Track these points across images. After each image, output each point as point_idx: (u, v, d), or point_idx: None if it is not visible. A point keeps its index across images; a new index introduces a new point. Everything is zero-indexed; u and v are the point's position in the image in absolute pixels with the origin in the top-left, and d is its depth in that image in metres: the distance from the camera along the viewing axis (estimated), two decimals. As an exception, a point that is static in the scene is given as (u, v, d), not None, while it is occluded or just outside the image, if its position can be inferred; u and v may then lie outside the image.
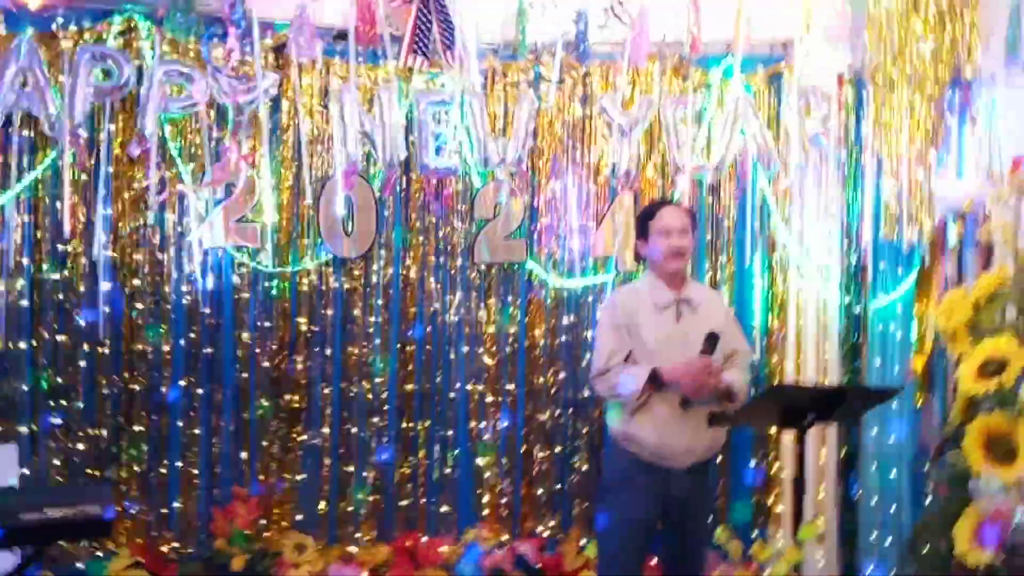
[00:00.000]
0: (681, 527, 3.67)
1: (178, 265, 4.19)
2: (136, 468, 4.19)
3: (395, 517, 4.46)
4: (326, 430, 4.38)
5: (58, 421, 4.06)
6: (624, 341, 3.62)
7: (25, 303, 4.01)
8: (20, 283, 4.00)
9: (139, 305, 4.16)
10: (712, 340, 3.46)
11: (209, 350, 4.25)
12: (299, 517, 4.36)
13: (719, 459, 4.64)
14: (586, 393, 4.55)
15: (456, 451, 4.49)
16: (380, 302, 4.41)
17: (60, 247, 4.05)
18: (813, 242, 4.66)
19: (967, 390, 3.26)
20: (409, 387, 4.46)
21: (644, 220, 3.74)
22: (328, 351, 4.38)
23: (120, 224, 4.12)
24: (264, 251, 4.25)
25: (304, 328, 4.35)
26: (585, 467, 4.58)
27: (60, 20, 3.97)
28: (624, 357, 3.61)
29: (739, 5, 4.47)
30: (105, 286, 4.07)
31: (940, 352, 4.39)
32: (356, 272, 4.40)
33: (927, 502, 4.31)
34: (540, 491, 4.56)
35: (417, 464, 4.47)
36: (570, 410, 4.57)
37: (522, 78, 4.46)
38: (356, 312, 4.39)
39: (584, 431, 4.58)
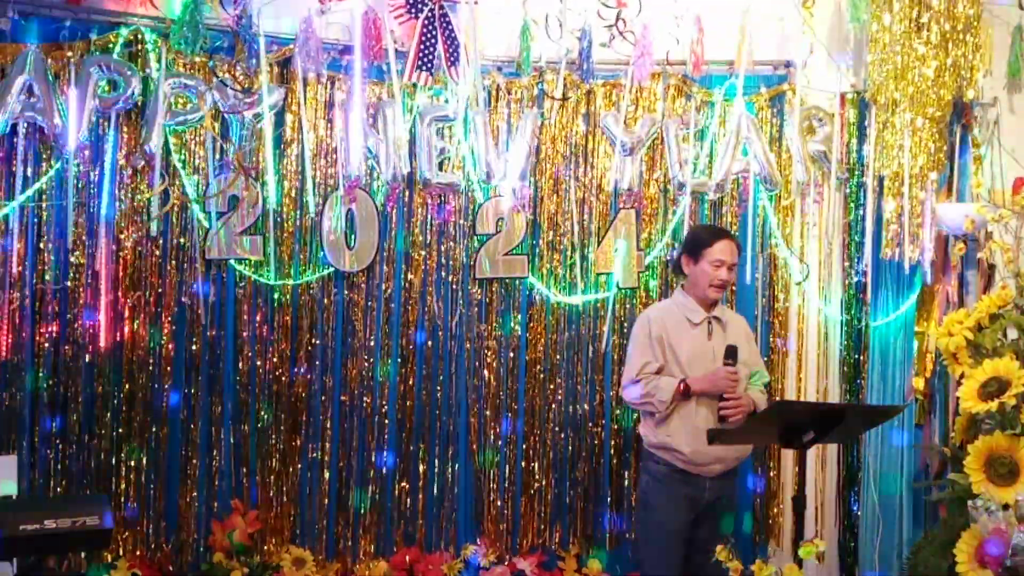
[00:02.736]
0: (711, 531, 3.83)
1: (180, 277, 4.19)
2: (135, 480, 4.17)
3: (394, 532, 4.45)
4: (326, 443, 4.38)
5: (58, 432, 4.05)
6: (657, 354, 3.84)
7: (27, 313, 4.00)
8: (22, 292, 3.99)
9: (141, 316, 4.15)
10: (731, 352, 3.74)
11: (210, 362, 4.25)
12: (298, 531, 4.36)
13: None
14: (587, 408, 4.56)
15: (456, 466, 4.49)
16: (381, 316, 4.41)
17: (63, 257, 4.05)
18: (814, 260, 4.67)
19: (968, 410, 3.26)
20: (410, 401, 4.45)
21: (699, 244, 3.90)
22: (329, 364, 4.38)
23: (123, 235, 4.12)
24: (266, 264, 4.25)
25: (305, 341, 4.35)
26: (586, 483, 4.57)
27: (67, 31, 3.98)
28: (656, 369, 3.83)
29: (742, 25, 4.50)
30: (107, 297, 4.07)
31: (941, 371, 4.41)
32: (358, 285, 4.40)
33: (927, 521, 4.31)
34: (540, 506, 4.56)
35: (417, 479, 4.47)
36: (570, 426, 4.57)
37: (525, 95, 4.48)
38: (357, 325, 4.39)
39: (585, 447, 4.58)
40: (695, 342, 3.86)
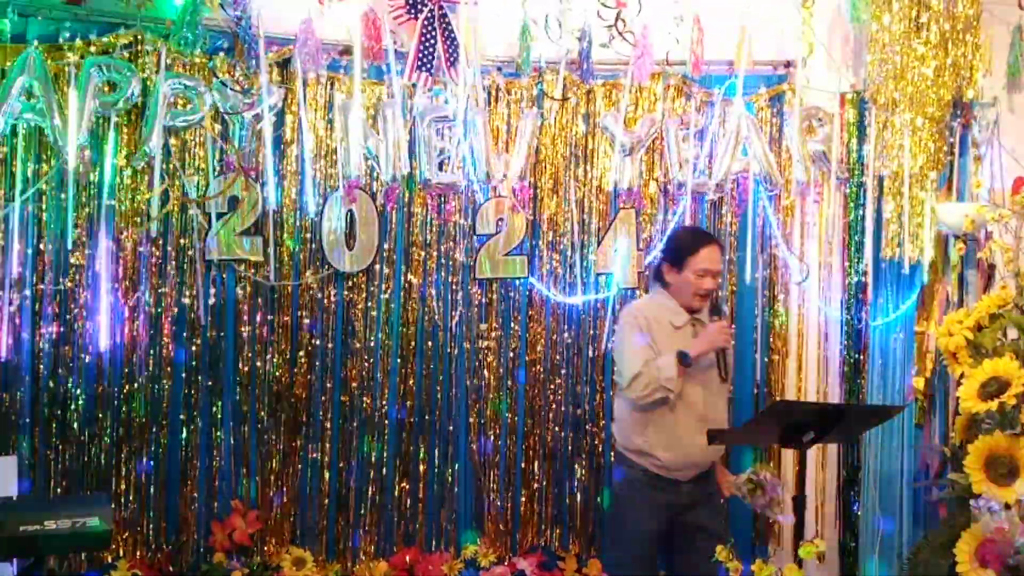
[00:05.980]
0: (694, 534, 3.74)
1: (180, 277, 4.19)
2: (135, 480, 4.17)
3: (395, 532, 4.45)
4: (326, 443, 4.38)
5: (58, 432, 4.05)
6: (652, 345, 3.73)
7: (27, 314, 4.00)
8: (22, 294, 3.99)
9: (141, 317, 4.15)
10: (716, 309, 3.76)
11: (210, 362, 4.25)
12: (298, 532, 4.36)
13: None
14: (587, 408, 4.56)
15: (456, 466, 4.49)
16: (381, 316, 4.41)
17: (63, 258, 4.05)
18: (814, 260, 4.67)
19: (968, 410, 3.26)
20: (409, 402, 4.45)
21: (683, 250, 3.77)
22: (329, 365, 4.38)
23: (123, 236, 4.12)
24: (266, 265, 4.25)
25: (305, 341, 4.35)
26: (586, 483, 4.57)
27: (67, 32, 3.98)
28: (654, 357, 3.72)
29: (742, 25, 4.50)
30: (107, 298, 4.07)
31: (941, 371, 4.40)
32: (358, 286, 4.40)
33: (927, 521, 4.31)
34: (540, 507, 4.56)
35: (417, 479, 4.46)
36: (570, 426, 4.57)
37: (525, 95, 4.48)
38: (357, 326, 4.40)
39: (585, 447, 4.58)
40: (678, 344, 3.72)
